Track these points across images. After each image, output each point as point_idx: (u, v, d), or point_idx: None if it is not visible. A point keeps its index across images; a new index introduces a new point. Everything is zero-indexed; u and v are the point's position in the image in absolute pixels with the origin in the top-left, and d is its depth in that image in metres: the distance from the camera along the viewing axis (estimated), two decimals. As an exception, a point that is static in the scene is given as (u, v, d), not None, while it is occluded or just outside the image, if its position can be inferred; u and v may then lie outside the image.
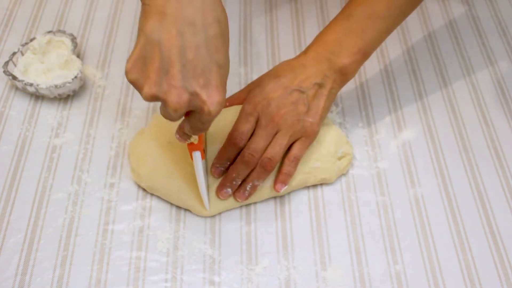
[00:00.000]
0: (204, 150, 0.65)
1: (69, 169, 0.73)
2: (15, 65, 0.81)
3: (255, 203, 0.70)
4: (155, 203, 0.70)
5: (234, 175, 0.67)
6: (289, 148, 0.69)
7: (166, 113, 0.57)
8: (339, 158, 0.73)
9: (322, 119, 0.71)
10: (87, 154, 0.74)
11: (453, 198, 0.72)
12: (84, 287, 0.63)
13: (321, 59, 0.70)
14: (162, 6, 0.54)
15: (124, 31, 0.89)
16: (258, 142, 0.67)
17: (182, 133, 0.61)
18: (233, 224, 0.69)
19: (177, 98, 0.54)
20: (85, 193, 0.71)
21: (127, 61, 0.56)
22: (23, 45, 0.82)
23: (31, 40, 0.83)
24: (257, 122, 0.69)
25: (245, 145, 0.68)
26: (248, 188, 0.68)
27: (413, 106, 0.81)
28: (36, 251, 0.66)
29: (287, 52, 0.87)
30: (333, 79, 0.71)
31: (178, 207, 0.70)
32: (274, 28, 0.91)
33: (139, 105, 0.80)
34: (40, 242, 0.66)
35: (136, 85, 0.56)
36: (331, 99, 0.72)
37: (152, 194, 0.71)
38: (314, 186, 0.72)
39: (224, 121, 0.70)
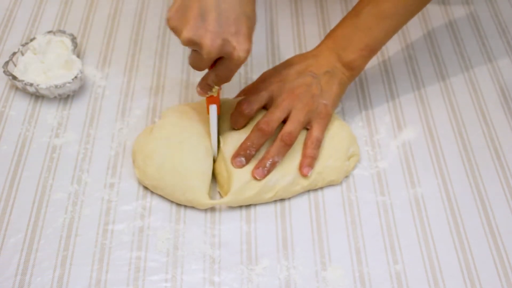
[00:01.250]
0: (219, 107, 0.70)
1: (69, 169, 0.73)
2: (15, 65, 0.81)
3: (255, 205, 0.70)
4: (155, 203, 0.70)
5: (248, 143, 0.69)
6: (309, 132, 0.71)
7: (198, 58, 0.63)
8: (348, 158, 0.73)
9: (335, 104, 0.74)
10: (87, 154, 0.75)
11: (453, 198, 0.72)
12: (84, 287, 0.63)
13: (331, 52, 0.74)
14: None
15: (124, 31, 0.89)
16: (274, 113, 0.70)
17: (205, 85, 0.66)
18: (233, 224, 0.69)
19: (211, 42, 0.60)
20: (85, 193, 0.71)
21: (169, 10, 0.63)
22: (23, 45, 0.83)
23: (31, 40, 0.83)
24: (271, 100, 0.71)
25: (249, 114, 0.71)
26: (267, 165, 0.69)
27: (413, 106, 0.81)
28: (36, 251, 0.66)
29: (287, 52, 0.87)
30: (342, 71, 0.74)
31: (178, 207, 0.70)
32: (274, 28, 0.91)
33: (139, 105, 0.80)
34: (40, 242, 0.66)
35: (176, 30, 0.62)
36: (342, 88, 0.75)
37: (152, 194, 0.71)
38: (314, 186, 0.72)
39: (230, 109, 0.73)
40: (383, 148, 0.76)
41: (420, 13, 0.93)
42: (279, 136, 0.69)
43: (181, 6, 0.62)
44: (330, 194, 0.72)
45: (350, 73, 0.74)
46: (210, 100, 0.68)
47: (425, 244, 0.67)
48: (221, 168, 0.71)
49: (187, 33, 0.61)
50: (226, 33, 0.61)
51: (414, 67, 0.86)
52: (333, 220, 0.69)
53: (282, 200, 0.71)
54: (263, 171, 0.69)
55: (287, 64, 0.75)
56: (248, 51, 0.62)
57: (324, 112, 0.72)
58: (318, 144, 0.71)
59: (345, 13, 0.92)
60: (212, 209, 0.70)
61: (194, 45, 0.61)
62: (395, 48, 0.88)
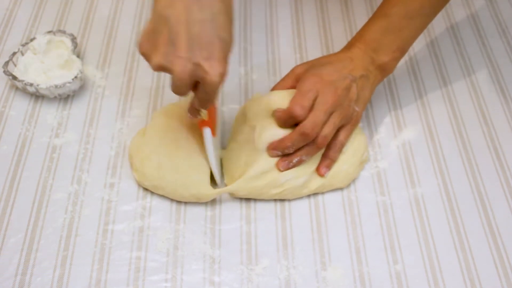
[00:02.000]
0: (214, 128, 0.69)
1: (69, 169, 0.73)
2: (15, 65, 0.81)
3: (255, 201, 0.70)
4: (155, 203, 0.70)
5: (289, 144, 0.68)
6: (335, 134, 0.71)
7: (174, 85, 0.60)
8: (360, 163, 0.73)
9: (363, 110, 0.74)
10: (87, 154, 0.75)
11: (453, 198, 0.72)
12: (84, 287, 0.63)
13: (365, 55, 0.74)
14: None
15: (124, 31, 0.89)
16: (320, 117, 0.68)
17: (193, 110, 0.66)
18: (233, 224, 0.69)
19: (182, 67, 0.58)
20: (85, 193, 0.71)
21: (139, 36, 0.60)
22: (23, 45, 0.83)
23: (31, 40, 0.83)
24: (314, 100, 0.70)
25: (303, 119, 0.69)
26: (294, 161, 0.69)
27: (413, 106, 0.81)
28: (36, 251, 0.66)
29: (287, 52, 0.87)
30: (375, 74, 0.74)
31: (179, 207, 0.70)
32: (274, 28, 0.91)
33: (139, 105, 0.80)
34: (40, 242, 0.66)
35: (146, 56, 0.60)
36: (372, 92, 0.75)
37: (152, 194, 0.71)
38: (314, 186, 0.72)
39: (270, 102, 0.72)
40: (383, 148, 0.76)
41: (420, 13, 0.93)
42: (315, 139, 0.69)
43: (150, 31, 0.59)
44: (330, 194, 0.72)
45: (381, 75, 0.75)
46: (202, 123, 0.67)
47: (425, 244, 0.67)
48: (238, 159, 0.71)
49: (156, 60, 0.59)
50: (197, 57, 0.58)
51: (414, 67, 0.86)
52: (333, 220, 0.69)
53: (282, 200, 0.71)
54: (288, 165, 0.69)
55: (324, 62, 0.74)
56: (222, 75, 0.59)
57: (355, 119, 0.72)
58: (341, 148, 0.71)
59: (345, 13, 0.92)
60: (213, 209, 0.70)
61: (165, 72, 0.60)
62: (395, 48, 0.88)
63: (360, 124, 0.78)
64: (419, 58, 0.87)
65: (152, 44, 0.59)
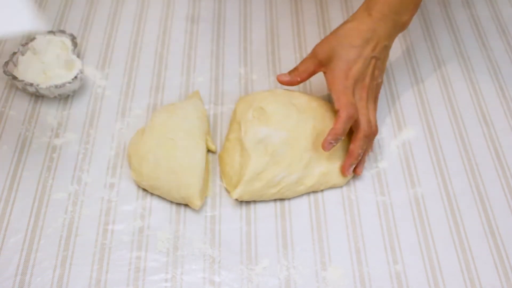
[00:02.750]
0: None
1: (69, 169, 0.73)
2: (15, 65, 0.81)
3: (255, 202, 0.70)
4: (155, 203, 0.70)
5: (360, 151, 0.71)
6: None
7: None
8: None
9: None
10: (87, 154, 0.75)
11: (453, 198, 0.72)
12: (84, 287, 0.63)
13: (387, 20, 0.74)
14: None
15: (124, 31, 0.89)
16: (366, 115, 0.72)
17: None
18: (233, 224, 0.69)
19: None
20: (85, 193, 0.71)
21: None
22: (23, 45, 0.82)
23: (31, 40, 0.83)
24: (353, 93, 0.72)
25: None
26: (365, 158, 0.74)
27: (413, 106, 0.81)
28: (36, 251, 0.66)
29: (287, 52, 0.87)
30: (395, 37, 0.76)
31: (178, 207, 0.70)
32: (274, 28, 0.91)
33: (139, 105, 0.80)
34: (40, 242, 0.66)
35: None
36: (389, 55, 0.77)
37: (152, 194, 0.71)
38: (314, 186, 0.72)
39: (254, 101, 0.74)
40: (383, 148, 0.76)
41: (420, 14, 0.93)
42: (371, 131, 0.72)
43: None
44: (330, 194, 0.72)
45: (400, 32, 0.76)
46: None
47: (425, 244, 0.67)
48: (233, 160, 0.71)
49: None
50: None
51: (414, 67, 0.86)
52: (333, 220, 0.69)
53: (282, 200, 0.71)
54: (363, 164, 0.73)
55: (346, 45, 0.72)
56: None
57: (379, 90, 0.76)
58: (375, 119, 0.74)
59: (345, 13, 0.92)
60: (213, 209, 0.70)
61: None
62: (395, 49, 0.88)
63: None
64: (419, 58, 0.87)
65: None
